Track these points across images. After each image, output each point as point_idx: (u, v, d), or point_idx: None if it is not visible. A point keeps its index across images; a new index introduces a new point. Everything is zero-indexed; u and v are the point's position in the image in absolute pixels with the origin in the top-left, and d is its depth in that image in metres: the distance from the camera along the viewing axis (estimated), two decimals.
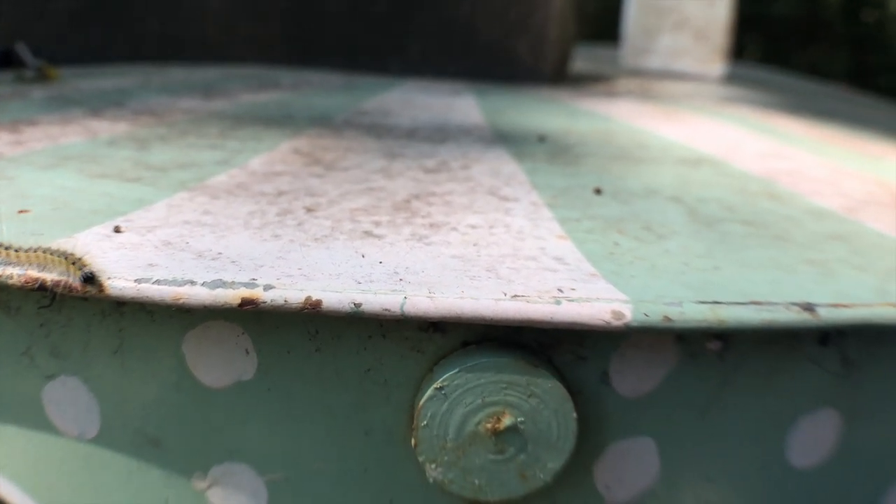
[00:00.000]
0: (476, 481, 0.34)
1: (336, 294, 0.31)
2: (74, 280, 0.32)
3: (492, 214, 0.45)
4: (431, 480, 0.34)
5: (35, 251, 0.32)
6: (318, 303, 0.31)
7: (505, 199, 0.49)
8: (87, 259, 0.32)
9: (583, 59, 1.90)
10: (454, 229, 0.42)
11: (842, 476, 0.42)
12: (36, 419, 0.37)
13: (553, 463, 0.34)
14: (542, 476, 0.34)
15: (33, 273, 0.32)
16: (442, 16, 1.22)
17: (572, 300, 0.32)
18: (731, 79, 1.72)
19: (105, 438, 0.37)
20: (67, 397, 0.37)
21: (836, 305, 0.34)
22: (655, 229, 0.44)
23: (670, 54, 1.67)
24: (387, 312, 0.31)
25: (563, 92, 1.18)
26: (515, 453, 0.34)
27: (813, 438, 0.40)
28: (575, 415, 0.33)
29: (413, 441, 0.34)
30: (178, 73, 1.17)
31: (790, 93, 1.68)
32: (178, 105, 0.84)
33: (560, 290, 0.33)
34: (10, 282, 0.32)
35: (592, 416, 0.36)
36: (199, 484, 0.37)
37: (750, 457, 0.39)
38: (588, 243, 0.41)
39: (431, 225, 0.42)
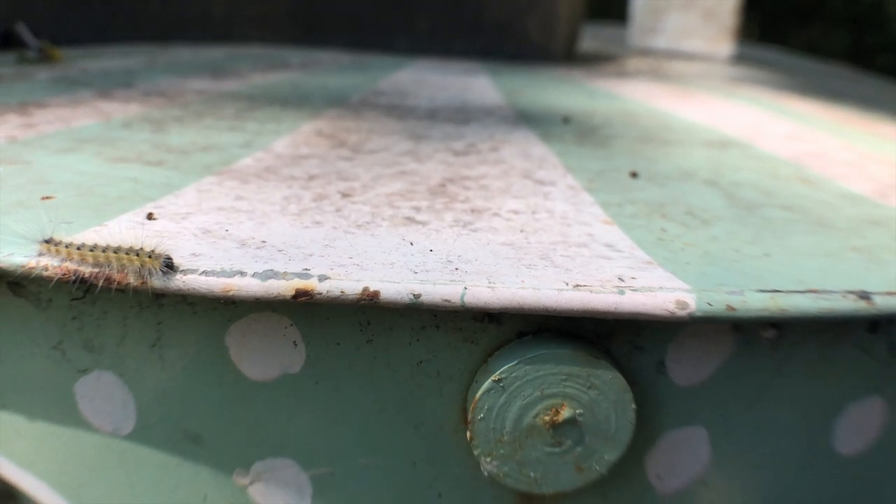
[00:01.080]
0: (532, 474, 0.33)
1: (394, 285, 0.30)
2: (154, 273, 0.30)
3: (531, 199, 0.44)
4: (486, 474, 0.34)
5: (105, 251, 0.31)
6: (376, 294, 0.30)
7: (541, 182, 0.48)
8: (160, 249, 0.31)
9: (589, 38, 1.89)
10: (496, 215, 0.41)
11: (885, 463, 0.41)
12: (68, 415, 0.36)
13: (610, 455, 0.33)
14: (598, 468, 0.33)
15: (71, 266, 0.31)
16: None
17: (636, 290, 0.31)
18: (738, 59, 1.71)
19: (141, 434, 0.36)
20: (102, 392, 0.36)
21: (890, 293, 0.34)
22: (698, 214, 0.43)
23: (678, 34, 1.65)
24: (447, 303, 0.30)
25: (576, 71, 1.17)
26: (573, 446, 0.33)
27: (858, 426, 0.39)
28: (634, 406, 0.33)
29: (469, 434, 0.33)
30: (183, 53, 1.15)
31: (798, 73, 1.67)
32: (188, 86, 0.82)
33: (621, 279, 0.32)
34: (46, 273, 0.31)
35: (648, 405, 0.35)
36: (241, 480, 0.36)
37: (797, 444, 0.39)
38: (635, 229, 0.40)
39: (473, 210, 0.41)
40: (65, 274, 0.31)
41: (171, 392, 0.35)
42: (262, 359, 0.34)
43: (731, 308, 0.31)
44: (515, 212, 0.42)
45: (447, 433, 0.35)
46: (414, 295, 0.30)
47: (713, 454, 0.37)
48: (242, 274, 0.30)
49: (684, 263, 0.35)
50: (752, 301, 0.31)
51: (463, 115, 0.70)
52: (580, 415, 0.33)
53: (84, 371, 0.35)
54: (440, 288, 0.30)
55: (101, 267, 0.31)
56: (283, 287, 0.30)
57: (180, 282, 0.30)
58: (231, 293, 0.30)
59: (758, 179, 0.53)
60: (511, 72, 1.09)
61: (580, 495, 0.36)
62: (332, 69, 1.01)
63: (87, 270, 0.31)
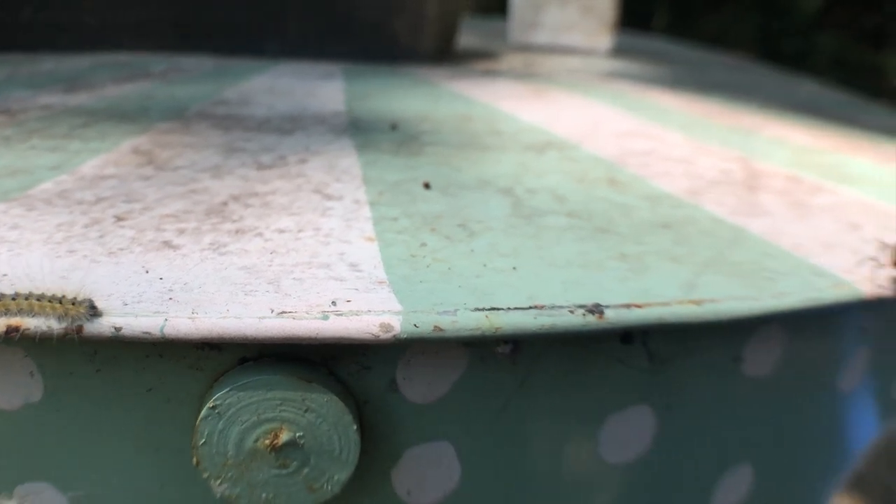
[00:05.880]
0: (264, 495, 0.34)
1: (97, 318, 0.30)
2: (81, 320, 0.30)
3: (307, 216, 0.45)
4: (219, 496, 0.34)
5: (27, 298, 0.31)
6: (80, 328, 0.30)
7: (329, 197, 0.48)
8: (82, 295, 0.31)
9: (474, 34, 1.90)
10: (259, 235, 0.41)
11: (663, 469, 0.43)
12: None
13: (340, 475, 0.34)
14: (330, 488, 0.34)
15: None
16: None
17: (341, 314, 0.31)
18: (621, 52, 1.73)
19: None
20: None
21: (627, 306, 0.34)
22: (471, 226, 0.44)
23: (558, 29, 1.67)
24: (147, 336, 0.30)
25: (441, 72, 1.17)
26: (300, 467, 0.33)
27: (626, 435, 0.40)
28: (355, 426, 0.33)
29: (195, 459, 0.33)
30: (47, 64, 1.13)
31: (682, 64, 1.70)
32: (37, 101, 0.81)
33: (333, 304, 0.32)
34: None
35: (384, 423, 0.35)
36: (6, 503, 0.36)
37: (563, 455, 0.39)
38: (394, 245, 0.40)
39: (237, 231, 0.42)
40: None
41: None
42: (6, 389, 0.34)
43: (438, 329, 0.31)
44: (281, 231, 0.42)
45: (187, 457, 0.35)
46: (115, 328, 0.30)
47: (464, 468, 0.38)
48: None
49: (417, 282, 0.35)
50: (464, 320, 0.32)
51: (292, 125, 0.69)
52: (301, 437, 0.33)
53: None
54: (141, 321, 0.30)
55: (23, 315, 0.31)
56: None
57: None
58: None
59: (559, 184, 0.54)
60: (371, 74, 1.08)
61: None
62: (190, 77, 1.00)
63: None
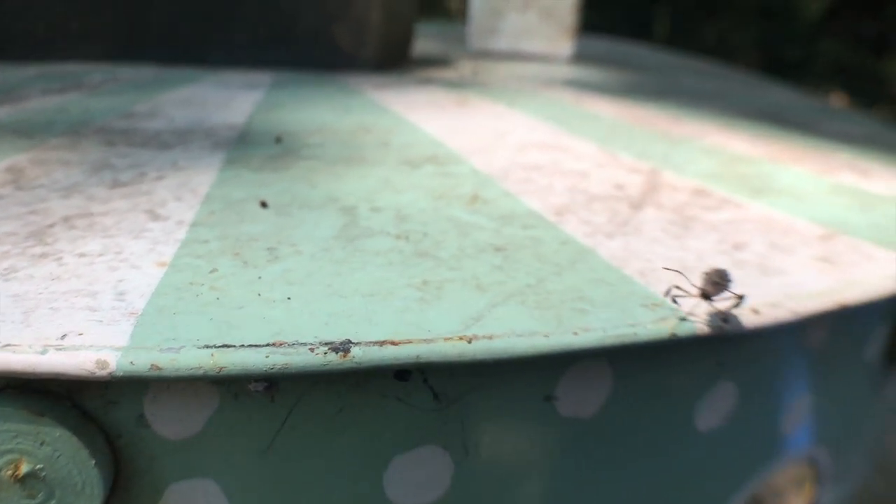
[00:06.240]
0: None
1: None
2: None
3: (120, 239, 0.44)
4: None
5: None
6: None
7: (157, 217, 0.48)
8: None
9: (439, 41, 1.88)
10: (58, 259, 0.40)
11: None
12: None
13: None
14: None
15: None
16: (267, 2, 1.19)
17: (61, 349, 0.30)
18: (588, 58, 1.72)
19: None
20: None
21: (381, 343, 0.33)
22: (280, 249, 0.43)
23: (518, 35, 1.65)
24: None
25: (378, 80, 1.16)
26: (46, 499, 0.33)
27: (419, 477, 0.39)
28: (94, 461, 0.32)
29: None
30: None
31: (649, 71, 1.68)
32: None
33: (62, 338, 0.31)
34: None
35: (140, 459, 0.35)
36: None
37: (343, 496, 0.38)
38: (182, 271, 0.39)
39: (41, 255, 0.41)
40: None
41: None
42: None
43: (156, 367, 0.30)
44: (82, 255, 0.41)
45: None
46: None
47: None
48: None
49: (170, 314, 0.34)
50: (185, 359, 0.31)
51: (178, 139, 0.69)
52: (41, 470, 0.32)
53: None
54: None
55: None
56: None
57: None
58: None
59: (412, 202, 0.53)
60: (300, 84, 1.07)
61: None
62: (118, 88, 0.99)
63: None
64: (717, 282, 0.38)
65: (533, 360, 0.35)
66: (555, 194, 0.58)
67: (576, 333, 0.35)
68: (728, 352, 0.44)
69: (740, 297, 0.39)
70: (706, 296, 0.38)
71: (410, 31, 1.47)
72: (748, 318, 0.40)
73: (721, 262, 0.46)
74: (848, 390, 0.58)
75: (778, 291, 0.43)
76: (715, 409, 0.46)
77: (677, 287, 0.40)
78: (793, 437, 0.54)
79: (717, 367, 0.44)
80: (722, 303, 0.39)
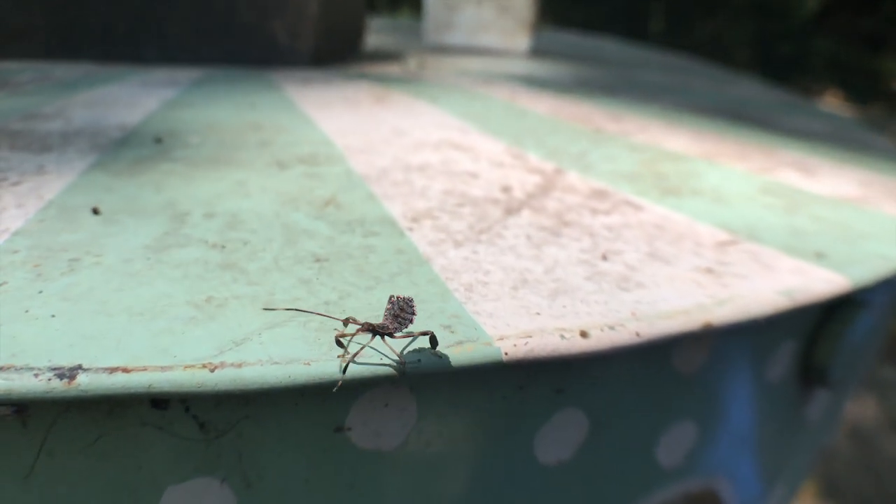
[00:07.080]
0: None
1: None
2: None
3: None
4: None
5: None
6: None
7: None
8: None
9: (397, 35, 1.86)
10: None
11: None
12: None
13: None
14: None
15: None
16: None
17: None
18: (547, 53, 1.70)
19: None
20: None
21: (112, 370, 0.31)
22: (83, 260, 0.42)
23: (474, 29, 1.63)
24: None
25: (307, 75, 1.15)
26: None
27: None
28: None
29: None
30: None
31: (612, 66, 1.66)
32: None
33: None
34: None
35: None
36: None
37: None
38: None
39: None
40: None
41: None
42: None
43: None
44: None
45: None
46: None
47: None
48: None
49: None
50: None
51: (61, 141, 0.68)
52: None
53: None
54: None
55: None
56: None
57: None
58: None
59: (256, 207, 0.52)
60: (225, 80, 1.06)
61: None
62: (40, 88, 0.97)
63: None
64: (396, 314, 0.35)
65: (304, 388, 0.33)
66: (424, 198, 0.57)
67: (353, 361, 0.33)
68: (569, 378, 0.41)
69: (425, 334, 0.35)
70: (379, 330, 0.35)
71: (360, 24, 1.45)
72: (575, 342, 0.37)
73: (576, 273, 0.45)
74: (747, 415, 0.54)
75: (626, 310, 0.40)
76: (559, 439, 0.43)
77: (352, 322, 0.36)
78: (676, 468, 0.50)
79: (557, 394, 0.41)
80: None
